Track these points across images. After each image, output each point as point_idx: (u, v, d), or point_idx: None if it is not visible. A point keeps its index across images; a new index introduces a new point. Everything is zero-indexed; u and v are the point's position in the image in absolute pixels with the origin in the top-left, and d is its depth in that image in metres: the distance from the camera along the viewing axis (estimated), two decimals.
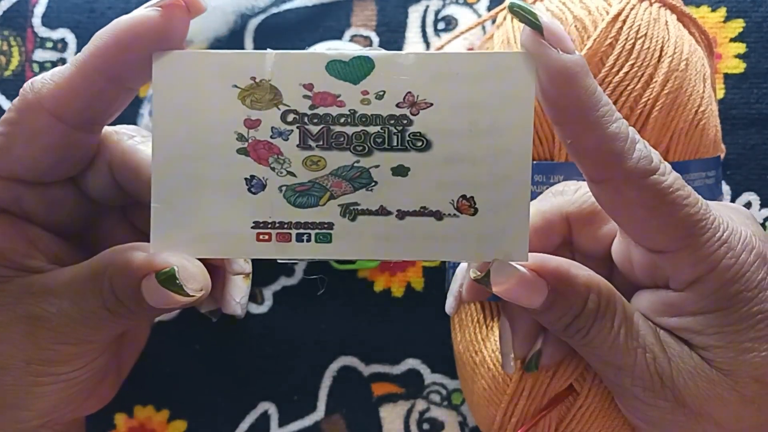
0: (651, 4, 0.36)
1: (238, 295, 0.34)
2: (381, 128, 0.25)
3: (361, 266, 0.44)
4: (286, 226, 0.26)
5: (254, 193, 0.25)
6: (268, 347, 0.44)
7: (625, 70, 0.35)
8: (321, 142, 0.25)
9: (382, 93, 0.25)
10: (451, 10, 0.46)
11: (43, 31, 0.46)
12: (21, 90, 0.27)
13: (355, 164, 0.25)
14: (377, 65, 0.25)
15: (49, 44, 0.46)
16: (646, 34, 0.35)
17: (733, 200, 0.43)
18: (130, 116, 0.44)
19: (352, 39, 0.46)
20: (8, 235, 0.29)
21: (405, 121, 0.25)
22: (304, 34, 0.46)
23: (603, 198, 0.27)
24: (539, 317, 0.29)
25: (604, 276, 0.29)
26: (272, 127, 0.25)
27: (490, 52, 0.26)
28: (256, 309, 0.44)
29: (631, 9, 0.35)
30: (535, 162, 0.36)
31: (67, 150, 0.29)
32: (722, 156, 0.39)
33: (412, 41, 0.46)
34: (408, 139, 0.25)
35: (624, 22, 0.35)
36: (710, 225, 0.26)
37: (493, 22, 0.43)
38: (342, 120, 0.25)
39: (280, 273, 0.44)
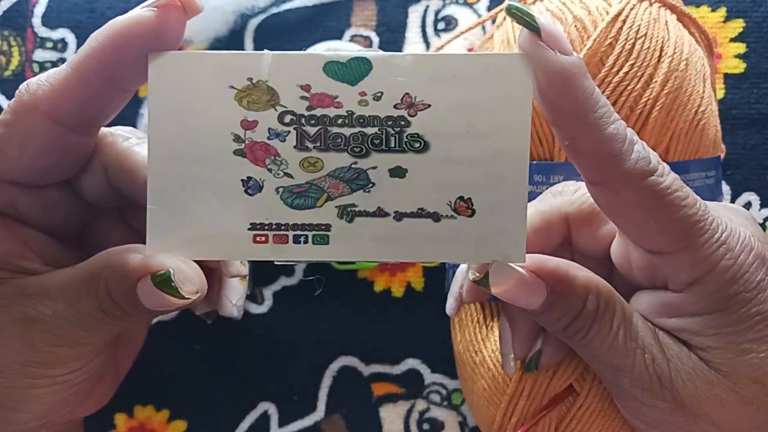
0: (651, 4, 0.36)
1: (234, 297, 0.34)
2: (378, 129, 0.25)
3: (360, 266, 0.44)
4: (283, 227, 0.25)
5: (251, 195, 0.25)
6: (268, 347, 0.44)
7: (624, 70, 0.34)
8: (318, 144, 0.25)
9: (379, 94, 0.25)
10: (451, 10, 0.46)
11: (43, 31, 0.46)
12: (17, 91, 0.27)
13: (353, 165, 0.25)
14: (375, 66, 0.25)
15: (49, 44, 0.46)
16: (646, 34, 0.35)
17: (733, 200, 0.43)
18: (129, 116, 0.44)
19: (352, 39, 0.46)
20: (3, 237, 0.29)
21: (403, 123, 0.25)
22: (304, 34, 0.46)
23: (601, 199, 0.27)
24: (538, 318, 0.29)
25: (603, 277, 0.28)
26: (269, 129, 0.25)
27: (487, 54, 0.26)
28: (256, 309, 0.44)
29: (631, 9, 0.35)
30: (534, 162, 0.36)
31: (63, 152, 0.29)
32: (722, 156, 0.39)
33: (412, 41, 0.46)
34: (405, 140, 0.25)
35: (624, 22, 0.35)
36: (709, 226, 0.26)
37: (493, 22, 0.43)
38: (339, 121, 0.25)
39: (280, 273, 0.44)
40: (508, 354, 0.34)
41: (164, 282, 0.25)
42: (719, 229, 0.27)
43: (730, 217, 0.28)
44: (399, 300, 0.44)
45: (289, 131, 0.25)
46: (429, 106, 0.25)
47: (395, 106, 0.25)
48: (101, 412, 0.35)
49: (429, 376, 0.44)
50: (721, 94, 0.43)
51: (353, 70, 0.25)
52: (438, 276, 0.44)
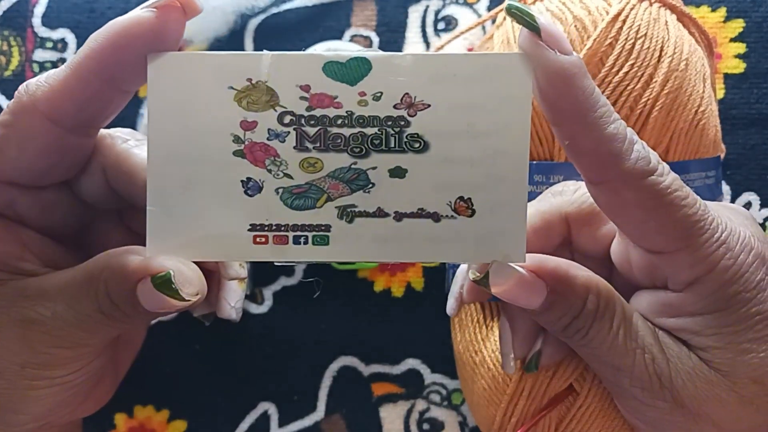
0: (651, 4, 0.36)
1: (233, 299, 0.34)
2: (378, 130, 0.25)
3: (361, 266, 0.44)
4: (283, 228, 0.25)
5: (251, 196, 0.25)
6: (268, 347, 0.44)
7: (624, 70, 0.34)
8: (318, 144, 0.25)
9: (379, 94, 0.25)
10: (451, 10, 0.46)
11: (43, 31, 0.46)
12: (16, 92, 0.27)
13: (353, 166, 0.25)
14: (374, 66, 0.25)
15: (49, 44, 0.46)
16: (646, 34, 0.35)
17: (733, 200, 0.43)
18: (130, 117, 0.44)
19: (352, 39, 0.46)
20: (2, 238, 0.29)
21: (402, 123, 0.25)
22: (304, 34, 0.46)
23: (601, 199, 0.27)
24: (538, 318, 0.29)
25: (603, 276, 0.28)
26: (269, 129, 0.25)
27: (487, 54, 0.26)
28: (256, 309, 0.44)
29: (631, 9, 0.35)
30: (534, 162, 0.36)
31: (62, 153, 0.29)
32: (722, 156, 0.39)
33: (412, 41, 0.46)
34: (405, 140, 0.25)
35: (624, 22, 0.35)
36: (709, 226, 0.26)
37: (493, 22, 0.43)
38: (339, 121, 0.25)
39: (280, 273, 0.44)
40: (508, 354, 0.34)
41: (164, 284, 0.25)
42: (719, 228, 0.27)
43: (730, 216, 0.28)
44: (399, 300, 0.44)
45: (289, 132, 0.25)
46: (429, 106, 0.25)
47: (395, 106, 0.25)
48: (101, 412, 0.35)
49: (429, 376, 0.44)
50: (721, 94, 0.43)
51: (353, 70, 0.25)
52: (438, 276, 0.44)
